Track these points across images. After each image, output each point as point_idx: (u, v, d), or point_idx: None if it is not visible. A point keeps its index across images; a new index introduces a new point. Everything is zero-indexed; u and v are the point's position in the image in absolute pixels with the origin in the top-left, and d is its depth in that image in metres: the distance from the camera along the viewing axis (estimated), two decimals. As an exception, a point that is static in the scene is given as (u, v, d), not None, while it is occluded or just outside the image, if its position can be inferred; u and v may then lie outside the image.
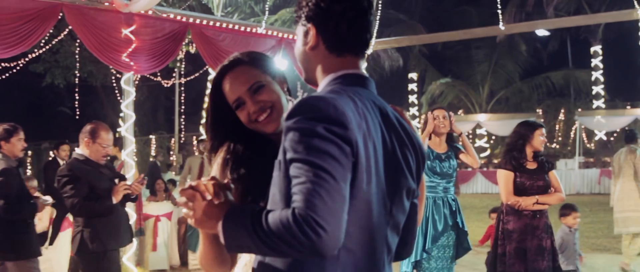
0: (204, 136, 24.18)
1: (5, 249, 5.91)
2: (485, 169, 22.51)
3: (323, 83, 1.98)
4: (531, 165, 5.85)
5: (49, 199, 6.58)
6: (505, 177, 5.83)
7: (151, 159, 21.35)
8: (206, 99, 24.14)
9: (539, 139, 5.85)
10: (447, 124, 6.28)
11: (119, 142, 8.59)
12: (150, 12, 8.48)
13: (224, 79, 2.24)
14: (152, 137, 27.18)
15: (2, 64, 14.12)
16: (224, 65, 2.26)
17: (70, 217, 7.73)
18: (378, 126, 1.88)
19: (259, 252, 1.75)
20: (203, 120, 24.62)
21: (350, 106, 1.79)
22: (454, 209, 6.17)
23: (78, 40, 13.20)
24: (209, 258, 2.08)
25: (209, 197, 1.82)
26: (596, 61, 28.00)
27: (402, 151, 1.95)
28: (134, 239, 7.73)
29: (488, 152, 26.89)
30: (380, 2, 11.36)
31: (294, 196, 1.67)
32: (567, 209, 6.95)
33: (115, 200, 5.33)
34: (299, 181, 1.67)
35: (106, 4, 8.14)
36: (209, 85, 24.18)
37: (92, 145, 5.44)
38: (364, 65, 2.09)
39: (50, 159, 16.77)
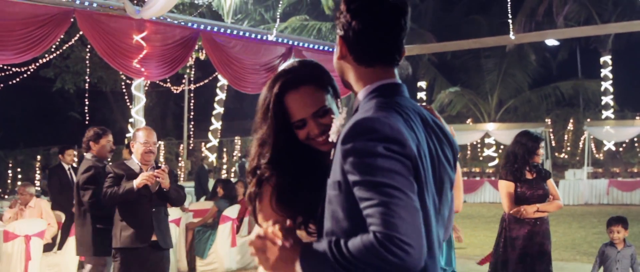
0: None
1: (87, 244, 6.14)
2: (493, 178, 22.40)
3: (361, 94, 2.00)
4: (530, 175, 6.01)
5: None
6: (506, 187, 5.99)
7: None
8: (216, 106, 24.23)
9: (540, 152, 6.06)
10: None
11: (128, 147, 8.64)
12: (161, 19, 8.53)
13: (287, 94, 2.21)
14: (161, 143, 27.21)
15: (13, 69, 14.20)
16: (289, 81, 2.22)
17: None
18: (422, 133, 1.92)
19: None
20: (212, 127, 24.68)
21: (401, 122, 1.83)
22: None
23: (88, 46, 13.29)
24: None
25: (280, 243, 1.85)
26: (606, 71, 27.86)
27: (442, 149, 2.01)
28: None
29: (496, 161, 26.76)
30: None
31: (368, 218, 1.69)
32: (609, 220, 6.53)
33: (135, 185, 5.45)
34: (371, 203, 1.69)
35: (118, 10, 8.19)
36: (219, 91, 24.17)
37: (134, 146, 5.80)
38: None
39: (55, 164, 16.76)
